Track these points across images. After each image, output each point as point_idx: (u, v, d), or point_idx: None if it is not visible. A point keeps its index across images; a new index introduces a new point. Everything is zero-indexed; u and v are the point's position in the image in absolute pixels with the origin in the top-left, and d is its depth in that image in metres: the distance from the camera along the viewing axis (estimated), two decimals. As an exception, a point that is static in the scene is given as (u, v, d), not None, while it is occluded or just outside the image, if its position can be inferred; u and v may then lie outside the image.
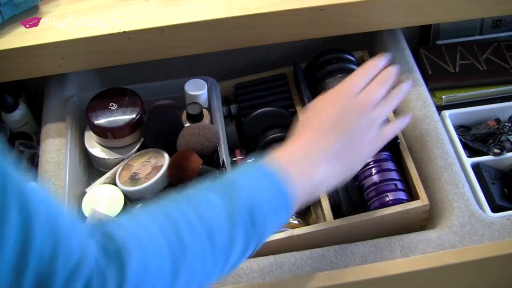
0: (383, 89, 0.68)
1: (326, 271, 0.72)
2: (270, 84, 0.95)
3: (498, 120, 0.92)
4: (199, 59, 1.04)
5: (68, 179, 0.81)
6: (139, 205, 0.81)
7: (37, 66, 0.87)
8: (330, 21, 0.87)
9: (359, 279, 0.71)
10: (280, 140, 0.75)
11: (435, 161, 0.81)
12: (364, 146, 0.66)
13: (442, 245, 0.73)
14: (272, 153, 0.62)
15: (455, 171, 0.80)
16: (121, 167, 0.85)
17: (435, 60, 0.99)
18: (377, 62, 0.71)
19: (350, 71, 0.87)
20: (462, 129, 0.91)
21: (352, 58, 0.92)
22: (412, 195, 0.79)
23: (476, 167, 0.84)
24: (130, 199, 0.83)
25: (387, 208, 0.76)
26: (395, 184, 0.78)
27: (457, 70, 0.97)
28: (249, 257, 0.72)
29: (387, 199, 0.77)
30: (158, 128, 0.86)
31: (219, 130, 0.84)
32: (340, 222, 0.76)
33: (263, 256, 0.73)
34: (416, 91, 0.90)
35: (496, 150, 0.86)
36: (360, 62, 0.93)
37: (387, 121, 0.72)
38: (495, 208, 0.79)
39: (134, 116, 0.86)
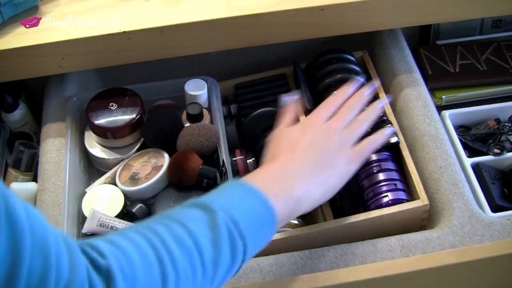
0: (352, 111, 0.73)
1: (326, 271, 0.72)
2: (270, 84, 0.95)
3: (498, 120, 0.92)
4: (199, 59, 1.05)
5: (68, 179, 0.81)
6: (138, 205, 0.81)
7: (37, 66, 0.87)
8: (330, 21, 0.87)
9: (359, 279, 0.71)
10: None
11: (435, 161, 0.81)
12: (343, 164, 0.69)
13: (442, 245, 0.73)
14: (246, 176, 0.64)
15: (455, 171, 0.80)
16: (121, 167, 0.85)
17: (435, 60, 0.99)
18: (347, 89, 0.76)
19: (350, 71, 0.88)
20: (462, 129, 0.91)
21: (352, 58, 0.92)
22: (412, 195, 0.79)
23: (476, 167, 0.84)
24: (130, 199, 0.83)
25: (387, 208, 0.76)
26: (395, 184, 0.78)
27: (457, 70, 0.97)
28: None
29: (387, 199, 0.77)
30: (158, 128, 0.86)
31: (219, 130, 0.84)
32: (340, 222, 0.76)
33: (263, 256, 0.73)
34: (416, 91, 0.90)
35: (496, 150, 0.86)
36: (360, 62, 0.93)
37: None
38: (495, 208, 0.79)
39: (134, 116, 0.86)
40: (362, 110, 0.74)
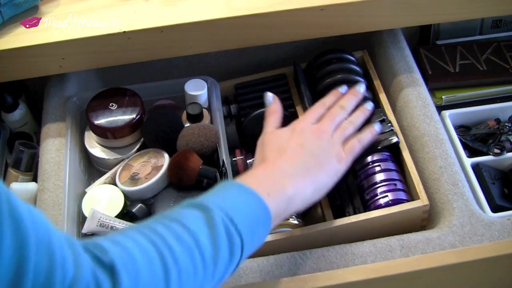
0: (342, 112, 0.76)
1: (326, 271, 0.72)
2: (270, 84, 0.95)
3: (498, 120, 0.92)
4: (199, 59, 1.05)
5: (68, 179, 0.81)
6: (138, 205, 0.81)
7: (37, 66, 0.87)
8: (330, 21, 0.87)
9: (359, 279, 0.71)
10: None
11: (435, 161, 0.81)
12: (333, 163, 0.71)
13: (442, 245, 0.73)
14: (237, 178, 0.65)
15: (455, 171, 0.80)
16: (121, 167, 0.85)
17: (435, 60, 0.99)
18: (335, 93, 0.79)
19: (350, 71, 0.88)
20: (462, 129, 0.91)
21: (352, 58, 0.92)
22: (412, 195, 0.79)
23: (476, 167, 0.84)
24: (130, 199, 0.83)
25: (387, 208, 0.76)
26: (395, 184, 0.78)
27: (457, 70, 0.97)
28: (249, 257, 0.73)
29: (387, 199, 0.77)
30: (158, 128, 0.86)
31: (219, 130, 0.84)
32: (340, 222, 0.76)
33: (263, 256, 0.73)
34: (416, 91, 0.90)
35: (496, 150, 0.86)
36: (360, 62, 0.93)
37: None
38: (495, 208, 0.79)
39: (134, 116, 0.86)
40: (353, 111, 0.77)
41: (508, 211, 0.79)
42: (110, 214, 0.79)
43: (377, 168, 0.79)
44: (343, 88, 0.80)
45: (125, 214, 0.81)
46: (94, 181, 0.87)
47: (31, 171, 0.94)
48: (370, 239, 0.75)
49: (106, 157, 0.87)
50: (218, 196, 0.60)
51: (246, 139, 0.89)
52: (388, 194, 0.77)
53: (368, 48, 0.98)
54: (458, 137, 0.88)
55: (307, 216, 0.84)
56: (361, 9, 0.86)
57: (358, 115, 0.77)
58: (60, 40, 0.83)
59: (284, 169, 0.67)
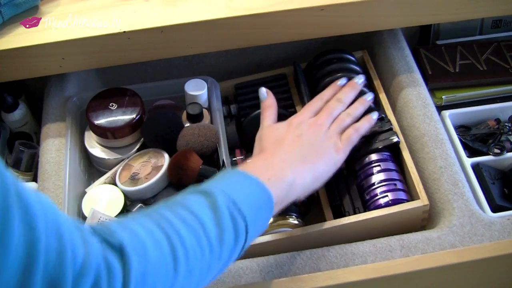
0: (340, 104, 0.77)
1: (326, 271, 0.72)
2: (270, 84, 0.95)
3: (498, 120, 0.92)
4: (199, 59, 1.05)
5: (68, 179, 0.81)
6: (138, 205, 0.81)
7: (37, 66, 0.87)
8: (330, 21, 0.87)
9: (359, 279, 0.71)
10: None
11: (435, 161, 0.81)
12: (331, 152, 0.72)
13: (442, 245, 0.73)
14: (238, 167, 0.66)
15: (455, 171, 0.80)
16: (121, 167, 0.85)
17: (435, 60, 0.99)
18: (334, 85, 0.80)
19: (350, 71, 0.88)
20: (462, 129, 0.91)
21: (352, 58, 0.92)
22: (412, 195, 0.79)
23: (476, 167, 0.84)
24: (130, 199, 0.83)
25: (387, 208, 0.76)
26: (395, 184, 0.78)
27: (457, 70, 0.97)
28: (249, 257, 0.73)
29: (387, 199, 0.77)
30: (158, 128, 0.86)
31: (219, 130, 0.84)
32: (340, 222, 0.76)
33: (263, 256, 0.73)
34: (416, 91, 0.90)
35: (496, 150, 0.86)
36: (360, 62, 0.93)
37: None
38: (495, 208, 0.79)
39: (134, 116, 0.86)
40: (351, 104, 0.77)
41: (508, 211, 0.79)
42: (110, 214, 0.79)
43: (377, 168, 0.79)
44: (342, 81, 0.81)
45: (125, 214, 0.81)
46: (94, 181, 0.87)
47: (31, 171, 0.94)
48: (370, 239, 0.75)
49: (106, 157, 0.87)
50: (220, 182, 0.61)
51: (246, 139, 0.89)
52: (388, 194, 0.77)
53: (368, 48, 0.98)
54: (458, 137, 0.88)
55: (307, 216, 0.84)
56: (361, 9, 0.86)
57: (356, 107, 0.78)
58: (60, 40, 0.83)
59: (282, 157, 0.68)
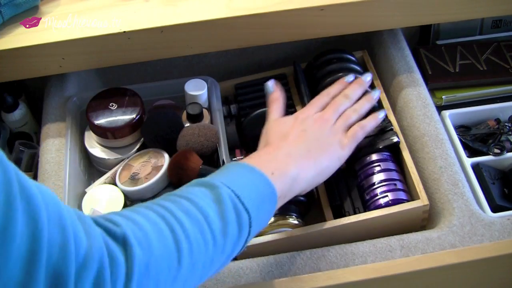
0: (346, 100, 0.76)
1: (326, 271, 0.72)
2: (270, 84, 0.95)
3: (498, 120, 0.92)
4: (199, 59, 1.05)
5: (68, 179, 0.81)
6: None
7: (37, 66, 0.87)
8: (330, 21, 0.87)
9: (359, 279, 0.71)
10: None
11: (435, 161, 0.81)
12: (336, 148, 0.72)
13: (442, 245, 0.73)
14: (242, 160, 0.66)
15: (455, 171, 0.80)
16: (121, 167, 0.85)
17: (435, 60, 0.99)
18: (341, 81, 0.80)
19: (350, 71, 0.88)
20: (462, 129, 0.91)
21: (353, 58, 0.92)
22: (412, 195, 0.79)
23: (476, 167, 0.84)
24: (130, 199, 0.83)
25: (387, 208, 0.76)
26: (395, 184, 0.78)
27: (457, 70, 0.97)
28: (249, 257, 0.73)
29: (387, 199, 0.77)
30: (158, 128, 0.86)
31: (219, 130, 0.84)
32: (340, 222, 0.76)
33: (263, 256, 0.73)
34: (416, 91, 0.90)
35: (496, 150, 0.86)
36: (360, 62, 0.93)
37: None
38: (495, 208, 0.79)
39: (134, 116, 0.86)
40: (357, 100, 0.77)
41: (508, 211, 0.79)
42: (110, 214, 0.79)
43: (377, 168, 0.79)
44: (349, 77, 0.81)
45: (125, 214, 0.80)
46: (94, 181, 0.87)
47: (31, 171, 0.94)
48: (370, 239, 0.75)
49: (106, 157, 0.87)
50: (223, 175, 0.61)
51: (246, 139, 0.89)
52: (388, 194, 0.77)
53: (368, 48, 0.98)
54: (458, 137, 0.88)
55: (307, 216, 0.84)
56: (361, 9, 0.86)
57: (362, 103, 0.78)
58: (60, 40, 0.83)
59: (286, 151, 0.68)
